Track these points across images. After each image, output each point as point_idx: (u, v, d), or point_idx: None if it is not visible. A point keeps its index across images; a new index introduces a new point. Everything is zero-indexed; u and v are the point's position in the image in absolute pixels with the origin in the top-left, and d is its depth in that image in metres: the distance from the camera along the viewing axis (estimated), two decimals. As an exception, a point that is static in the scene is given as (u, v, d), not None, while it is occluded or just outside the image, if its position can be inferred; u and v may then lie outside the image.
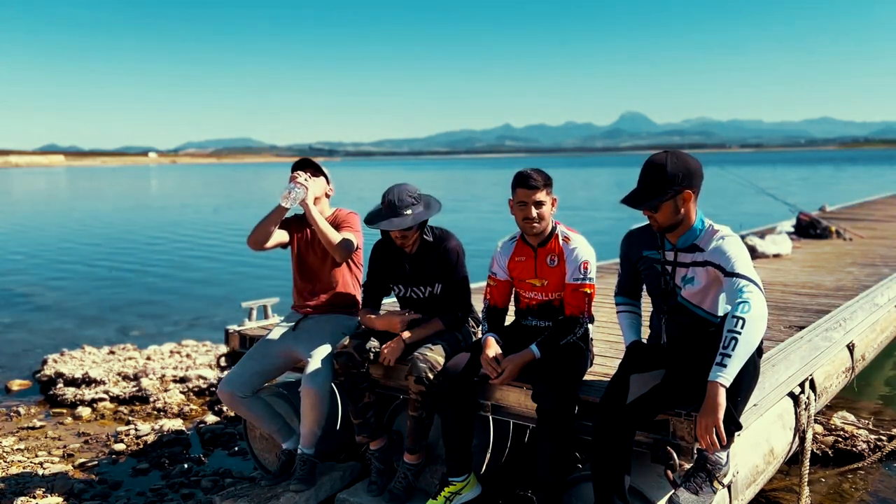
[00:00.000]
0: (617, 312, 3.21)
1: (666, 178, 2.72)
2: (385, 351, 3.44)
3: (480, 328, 3.50)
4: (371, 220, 3.47)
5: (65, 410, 5.66)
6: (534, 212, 3.12)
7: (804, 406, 3.71)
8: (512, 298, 3.46)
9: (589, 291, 3.16)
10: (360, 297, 3.89)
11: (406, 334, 3.47)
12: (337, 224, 3.77)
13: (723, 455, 2.76)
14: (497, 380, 3.16)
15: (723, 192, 29.86)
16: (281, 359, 3.79)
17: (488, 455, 3.55)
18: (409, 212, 3.39)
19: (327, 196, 3.82)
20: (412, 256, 3.57)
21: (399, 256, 3.60)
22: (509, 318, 3.50)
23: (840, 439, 4.53)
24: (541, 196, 3.12)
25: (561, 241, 3.22)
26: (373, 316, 3.59)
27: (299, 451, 3.66)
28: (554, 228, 3.24)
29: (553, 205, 3.20)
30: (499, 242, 3.39)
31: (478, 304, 3.72)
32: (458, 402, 3.20)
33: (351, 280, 3.92)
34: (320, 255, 3.83)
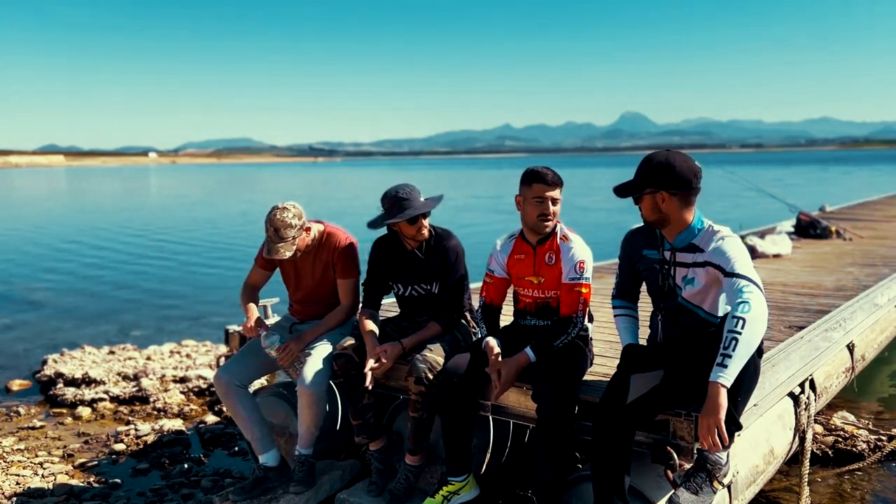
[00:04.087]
0: (614, 316, 3.21)
1: (643, 177, 2.78)
2: (382, 356, 3.39)
3: (479, 328, 3.49)
4: (385, 218, 3.44)
5: (65, 410, 5.66)
6: (551, 208, 3.14)
7: (804, 406, 3.71)
8: (511, 299, 3.46)
9: (584, 291, 3.16)
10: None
11: (405, 341, 3.46)
12: (328, 252, 3.68)
13: (723, 455, 2.76)
14: (497, 388, 3.13)
15: (723, 192, 29.87)
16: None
17: (488, 455, 3.55)
18: (421, 199, 3.45)
19: (307, 230, 3.61)
20: (415, 253, 3.56)
21: (401, 254, 3.59)
22: (508, 319, 3.50)
23: (840, 439, 4.53)
24: (557, 193, 3.14)
25: (559, 240, 3.21)
26: (369, 329, 3.50)
27: (297, 453, 3.65)
28: (554, 227, 3.24)
29: None
30: (497, 241, 3.39)
31: (477, 303, 3.71)
32: (458, 402, 3.20)
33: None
34: (311, 278, 3.78)
